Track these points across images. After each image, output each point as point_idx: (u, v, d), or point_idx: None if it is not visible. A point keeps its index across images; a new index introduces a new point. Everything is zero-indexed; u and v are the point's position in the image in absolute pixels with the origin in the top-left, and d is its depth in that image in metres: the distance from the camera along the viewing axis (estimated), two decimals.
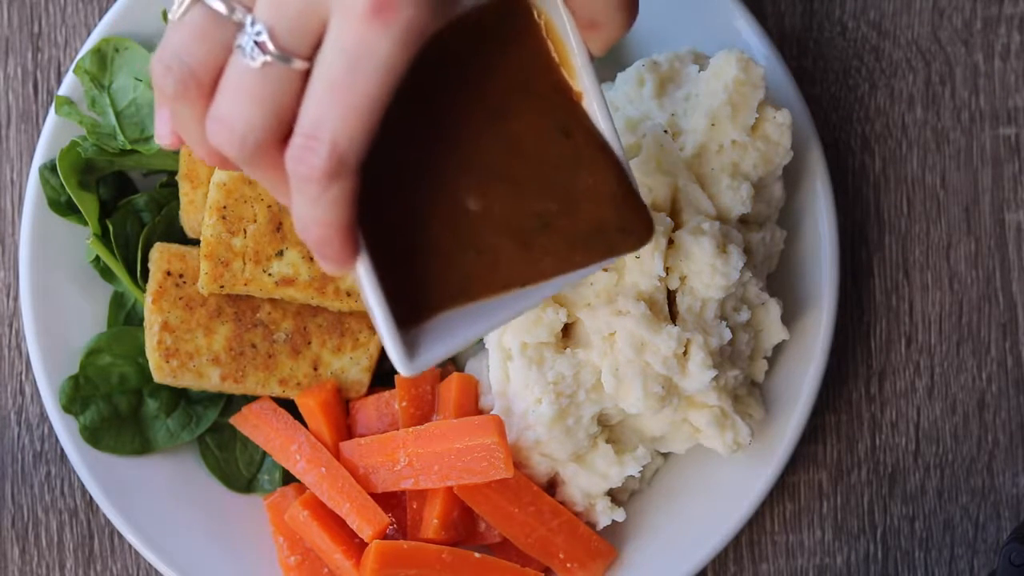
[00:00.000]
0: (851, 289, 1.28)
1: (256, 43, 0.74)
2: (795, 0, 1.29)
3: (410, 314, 0.84)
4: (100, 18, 1.26)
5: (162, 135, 0.81)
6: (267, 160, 0.77)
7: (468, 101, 0.84)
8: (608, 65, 1.24)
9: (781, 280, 1.23)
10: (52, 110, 1.22)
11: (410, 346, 0.84)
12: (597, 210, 0.87)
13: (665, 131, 1.15)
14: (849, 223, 1.28)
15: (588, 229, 0.87)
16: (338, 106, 0.74)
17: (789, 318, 1.21)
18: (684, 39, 1.23)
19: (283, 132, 0.76)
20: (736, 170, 1.16)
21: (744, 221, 1.18)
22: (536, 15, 0.86)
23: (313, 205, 0.76)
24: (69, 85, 1.22)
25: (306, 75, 0.75)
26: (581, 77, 0.87)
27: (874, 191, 1.29)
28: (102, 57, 1.21)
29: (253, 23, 0.74)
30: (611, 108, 1.19)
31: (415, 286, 0.84)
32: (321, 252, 0.79)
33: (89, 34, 1.24)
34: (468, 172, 0.85)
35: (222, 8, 0.75)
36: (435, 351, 0.85)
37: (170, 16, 0.77)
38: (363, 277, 0.82)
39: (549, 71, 0.86)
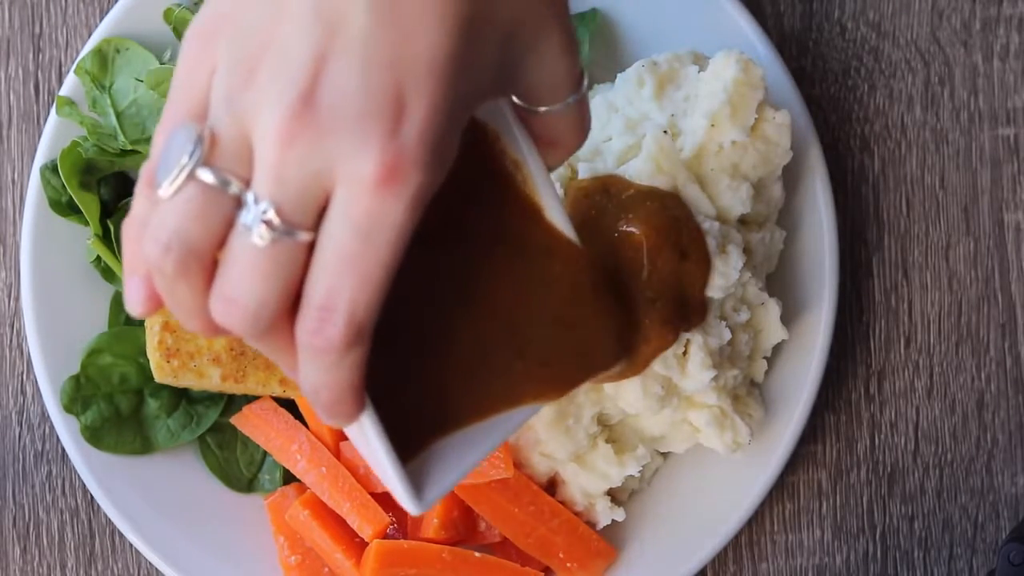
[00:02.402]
0: (850, 289, 1.28)
1: (263, 221, 0.72)
2: (795, 0, 1.29)
3: (402, 451, 0.83)
4: (101, 19, 1.26)
5: (135, 303, 0.78)
6: (276, 332, 0.75)
7: (440, 231, 0.83)
8: (608, 66, 1.24)
9: (781, 280, 1.23)
10: (53, 110, 1.22)
11: (414, 484, 0.83)
12: (579, 335, 0.87)
13: (664, 132, 1.15)
14: (849, 223, 1.28)
15: (574, 350, 0.87)
16: (352, 277, 0.72)
17: (788, 318, 1.21)
18: (684, 40, 1.23)
19: (291, 303, 0.74)
20: (736, 170, 1.16)
21: (743, 221, 1.19)
22: (493, 137, 0.85)
23: (327, 373, 0.75)
24: (70, 86, 1.22)
25: (311, 245, 0.73)
26: (544, 196, 0.86)
27: (873, 191, 1.29)
28: (103, 58, 1.21)
29: (257, 201, 0.72)
30: (611, 109, 1.20)
31: (404, 420, 0.83)
32: (331, 412, 0.77)
33: (90, 35, 1.25)
34: (453, 303, 0.84)
35: (217, 183, 0.73)
36: (439, 485, 0.84)
37: (159, 193, 0.74)
38: (367, 425, 0.80)
39: (510, 187, 0.86)
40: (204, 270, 0.74)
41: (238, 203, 0.73)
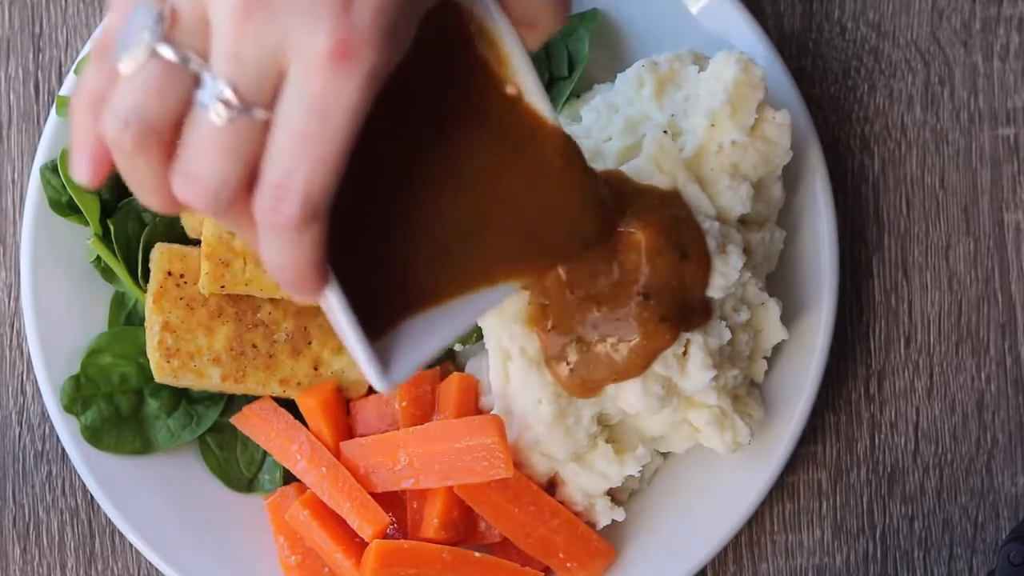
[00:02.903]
0: (850, 289, 1.28)
1: (220, 100, 0.74)
2: (795, 1, 1.29)
3: (372, 328, 0.83)
4: (101, 19, 1.26)
5: (82, 172, 0.79)
6: (237, 209, 0.77)
7: (412, 113, 0.83)
8: (608, 66, 1.24)
9: (781, 280, 1.23)
10: (53, 110, 1.22)
11: (382, 362, 0.84)
12: (557, 213, 0.87)
13: (665, 132, 1.15)
14: (848, 223, 1.28)
15: (552, 229, 0.87)
16: (307, 155, 0.74)
17: (788, 318, 1.21)
18: (684, 40, 1.23)
19: (250, 179, 0.76)
20: (736, 170, 1.16)
21: (743, 221, 1.19)
22: (467, 18, 0.85)
23: (287, 250, 0.76)
24: (70, 86, 1.22)
25: (267, 123, 0.75)
26: (523, 76, 0.86)
27: (873, 191, 1.29)
28: None
29: (214, 79, 0.74)
30: (611, 109, 1.20)
31: (374, 297, 0.83)
32: (295, 287, 0.79)
33: (90, 35, 1.25)
34: (426, 183, 0.84)
35: (177, 59, 0.74)
36: (407, 363, 0.84)
37: (120, 68, 0.75)
38: (332, 300, 0.81)
39: (487, 75, 0.86)
40: (162, 146, 0.76)
41: (197, 81, 0.74)
